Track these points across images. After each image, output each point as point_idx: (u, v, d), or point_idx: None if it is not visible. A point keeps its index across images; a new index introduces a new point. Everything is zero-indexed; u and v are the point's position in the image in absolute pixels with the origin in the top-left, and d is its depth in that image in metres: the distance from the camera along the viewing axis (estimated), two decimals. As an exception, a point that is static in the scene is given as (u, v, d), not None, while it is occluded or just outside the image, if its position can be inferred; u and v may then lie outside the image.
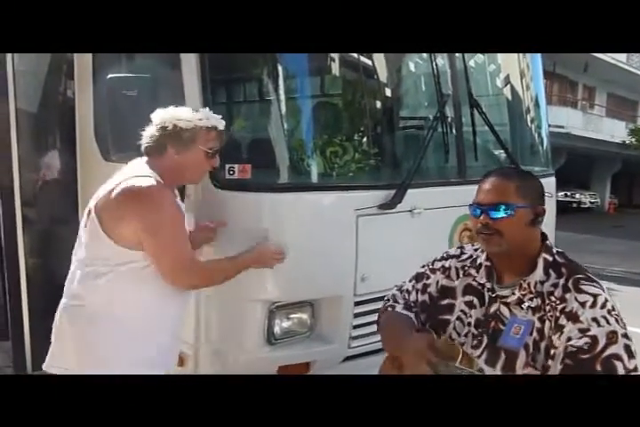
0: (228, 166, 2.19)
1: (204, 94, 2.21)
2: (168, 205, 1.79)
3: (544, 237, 1.59)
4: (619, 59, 20.62)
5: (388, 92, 2.91)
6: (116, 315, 1.78)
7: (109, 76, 2.20)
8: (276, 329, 2.28)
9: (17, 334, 3.05)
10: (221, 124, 1.89)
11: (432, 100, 2.73)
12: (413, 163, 2.48)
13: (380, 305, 2.47)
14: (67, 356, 1.81)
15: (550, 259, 1.54)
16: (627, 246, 12.05)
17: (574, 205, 20.10)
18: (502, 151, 3.03)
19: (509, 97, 3.40)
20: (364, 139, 2.76)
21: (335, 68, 2.73)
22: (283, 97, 2.40)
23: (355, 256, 2.35)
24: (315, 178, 2.42)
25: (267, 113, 2.53)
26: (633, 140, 15.38)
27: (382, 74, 2.83)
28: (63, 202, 2.87)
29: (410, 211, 2.50)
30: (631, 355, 1.38)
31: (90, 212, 1.82)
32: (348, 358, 2.48)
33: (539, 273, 1.52)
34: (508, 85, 3.38)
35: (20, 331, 3.04)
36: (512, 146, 3.12)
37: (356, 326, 2.43)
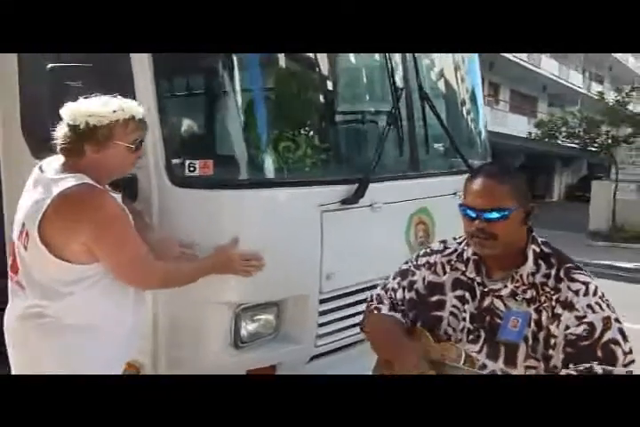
0: (188, 162, 2.06)
1: (157, 86, 2.08)
2: (109, 207, 1.67)
3: (530, 228, 1.60)
4: (520, 57, 21.75)
5: (340, 86, 2.87)
6: (85, 324, 1.69)
7: (50, 65, 2.02)
8: (243, 332, 2.17)
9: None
10: (140, 113, 1.71)
11: (385, 94, 2.71)
12: (374, 156, 2.45)
13: (344, 302, 2.45)
14: (43, 367, 1.69)
15: (538, 250, 1.56)
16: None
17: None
18: (448, 144, 3.06)
19: (450, 90, 3.44)
20: (316, 133, 2.71)
21: (286, 61, 2.64)
22: (232, 91, 2.31)
23: (320, 253, 2.29)
24: (272, 174, 2.34)
25: (218, 107, 2.43)
26: (539, 132, 16.23)
27: (332, 67, 2.77)
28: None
29: (370, 206, 2.46)
30: (625, 338, 1.43)
31: (26, 232, 1.66)
32: (314, 357, 2.43)
33: (529, 265, 1.53)
34: (447, 78, 3.43)
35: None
36: (457, 139, 3.15)
37: (321, 325, 2.38)
